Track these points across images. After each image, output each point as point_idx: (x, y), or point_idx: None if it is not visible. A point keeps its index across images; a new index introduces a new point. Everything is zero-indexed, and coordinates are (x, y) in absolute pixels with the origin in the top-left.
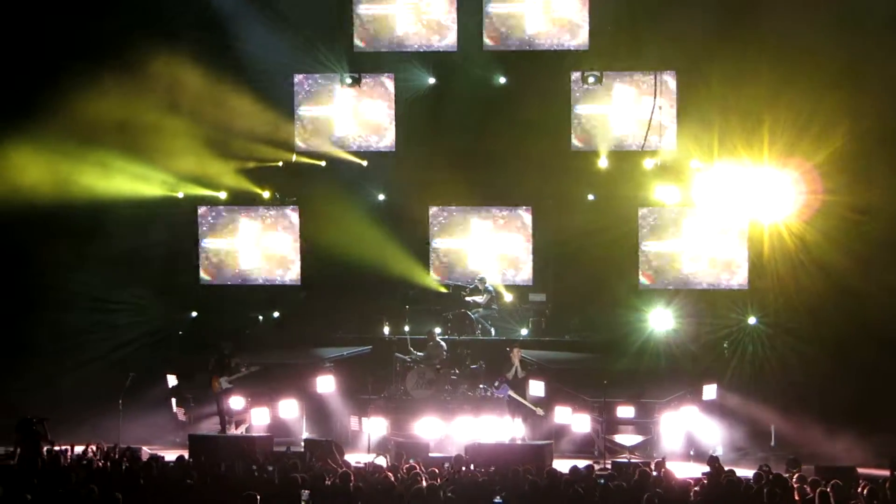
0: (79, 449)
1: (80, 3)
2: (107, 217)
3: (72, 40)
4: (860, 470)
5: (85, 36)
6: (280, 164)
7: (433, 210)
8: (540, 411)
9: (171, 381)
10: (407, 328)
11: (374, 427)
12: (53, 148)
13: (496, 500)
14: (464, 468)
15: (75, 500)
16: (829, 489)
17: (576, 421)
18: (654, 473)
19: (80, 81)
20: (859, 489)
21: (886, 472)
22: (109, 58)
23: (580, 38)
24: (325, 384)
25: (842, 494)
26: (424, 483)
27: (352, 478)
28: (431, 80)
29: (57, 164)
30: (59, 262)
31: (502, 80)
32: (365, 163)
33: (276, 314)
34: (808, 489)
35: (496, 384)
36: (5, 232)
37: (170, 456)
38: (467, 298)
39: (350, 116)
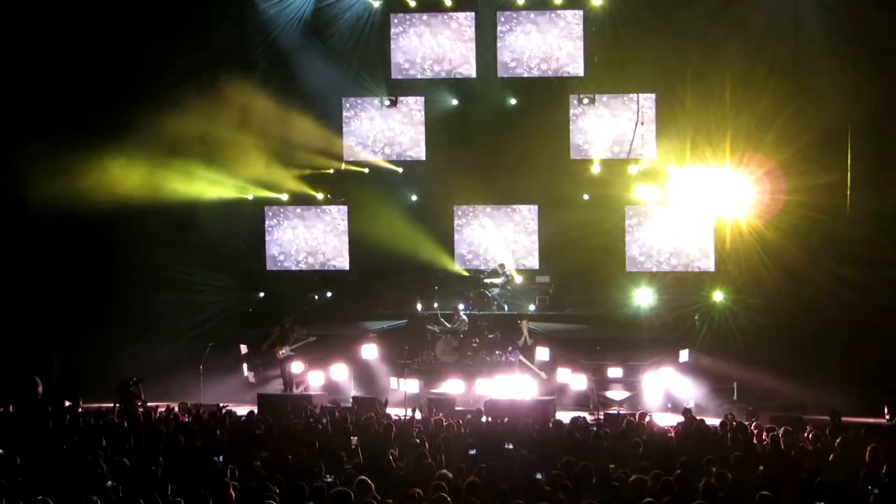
0: (167, 406)
1: (172, 39)
2: (190, 216)
3: (164, 69)
4: (806, 417)
5: (175, 65)
6: (331, 171)
7: (456, 208)
8: (544, 375)
9: (243, 349)
10: (436, 305)
11: (410, 386)
12: (146, 158)
13: (507, 446)
14: (483, 419)
15: (166, 448)
16: (780, 434)
17: (574, 380)
18: (638, 422)
19: (170, 103)
20: (805, 434)
21: (825, 423)
22: (193, 83)
23: (576, 67)
24: (369, 351)
25: (791, 438)
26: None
27: (392, 427)
28: (455, 102)
29: (149, 171)
30: (153, 253)
31: (513, 101)
32: (400, 170)
33: (329, 294)
34: (764, 434)
35: (509, 349)
36: (110, 229)
37: (242, 411)
38: (486, 280)
39: (388, 132)
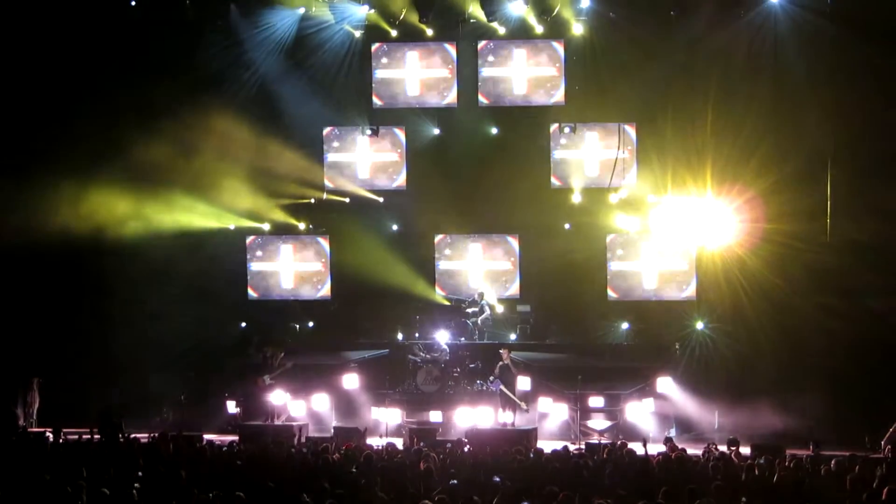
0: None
1: (154, 68)
2: (171, 245)
3: (146, 98)
4: (786, 445)
5: (156, 94)
6: (312, 200)
7: (438, 238)
8: (524, 406)
9: (225, 379)
10: (417, 334)
11: (391, 416)
12: (128, 188)
13: (495, 479)
14: (466, 448)
15: (146, 479)
16: (761, 462)
17: (555, 409)
18: (620, 452)
19: (150, 132)
20: (786, 462)
21: (808, 451)
22: (175, 112)
23: (557, 96)
24: (351, 381)
25: (772, 466)
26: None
27: (373, 457)
28: (436, 131)
29: (130, 201)
30: (134, 282)
31: (494, 130)
32: (382, 199)
33: (310, 324)
34: (746, 463)
35: (490, 379)
36: (91, 258)
37: (223, 441)
38: (467, 310)
39: (369, 161)
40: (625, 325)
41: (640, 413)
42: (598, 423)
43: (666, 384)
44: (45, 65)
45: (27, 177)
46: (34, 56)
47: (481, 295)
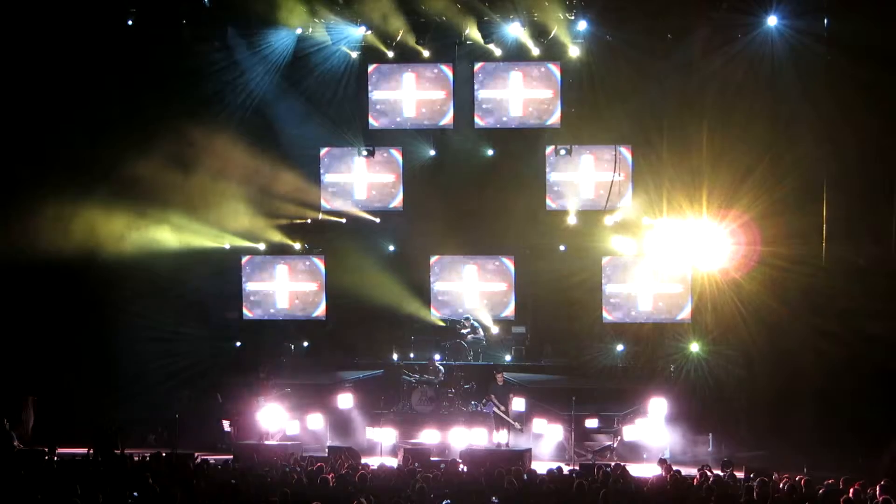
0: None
1: (150, 88)
2: (167, 265)
3: (142, 118)
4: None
5: (152, 114)
6: (308, 220)
7: (433, 259)
8: (518, 426)
9: (220, 399)
10: (412, 355)
11: (386, 436)
12: (124, 207)
13: (493, 500)
14: (461, 468)
15: (141, 497)
16: (756, 484)
17: (550, 430)
18: (614, 473)
19: (146, 151)
20: (781, 485)
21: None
22: (171, 132)
23: (553, 118)
24: (346, 401)
25: (767, 488)
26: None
27: (367, 476)
28: (432, 153)
29: (127, 220)
30: (130, 301)
31: (490, 152)
32: (377, 220)
33: (305, 344)
34: (740, 485)
35: (484, 402)
36: (87, 277)
37: (218, 460)
38: (462, 331)
39: (365, 182)
40: (620, 347)
41: (634, 434)
42: (593, 444)
43: (660, 406)
44: (41, 83)
45: (22, 194)
46: (30, 74)
47: (468, 319)
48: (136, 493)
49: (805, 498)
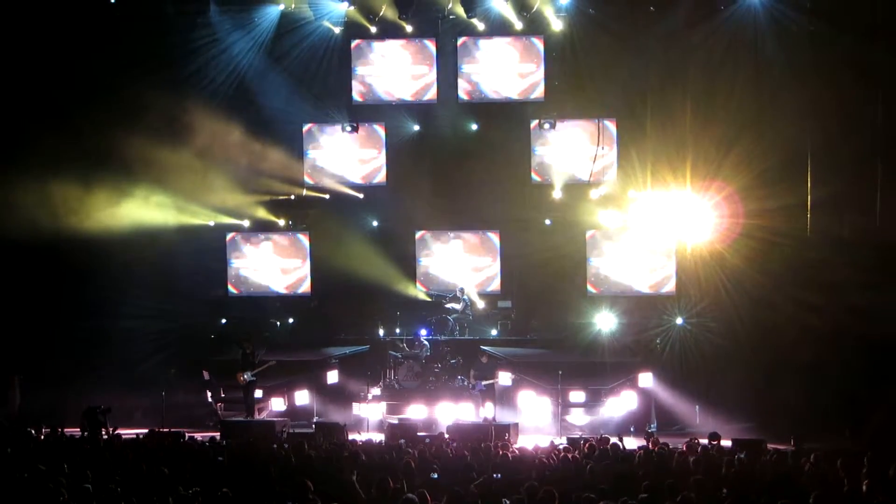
0: (130, 433)
1: (133, 66)
2: (151, 242)
3: (124, 95)
4: (767, 439)
5: (135, 92)
6: (292, 197)
7: (418, 234)
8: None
9: (206, 375)
10: (398, 330)
11: (372, 411)
12: (108, 185)
13: (496, 475)
14: (450, 443)
15: (129, 476)
16: (742, 456)
17: (537, 404)
18: (601, 447)
19: (129, 128)
20: (767, 457)
21: (786, 446)
22: (153, 110)
23: (537, 92)
24: (332, 377)
25: (753, 460)
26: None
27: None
28: (416, 128)
29: (110, 198)
30: (115, 279)
31: (474, 126)
32: (361, 195)
33: (290, 320)
34: (727, 457)
35: (472, 384)
36: (72, 255)
37: (204, 437)
38: (446, 305)
39: (349, 157)
40: (605, 321)
41: (621, 408)
42: (580, 417)
43: (647, 379)
44: (21, 61)
45: (5, 173)
46: (10, 52)
47: (462, 291)
48: (123, 472)
49: (792, 469)
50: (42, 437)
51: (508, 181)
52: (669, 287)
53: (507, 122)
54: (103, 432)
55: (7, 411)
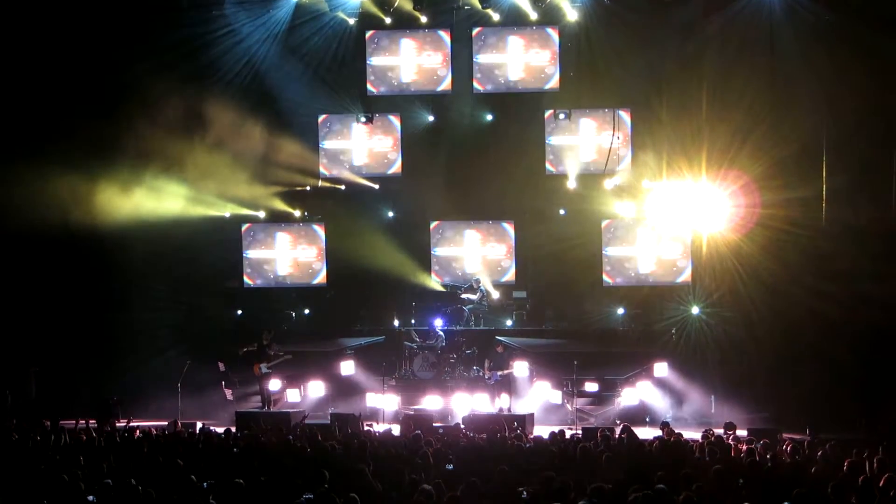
0: (146, 424)
1: (148, 58)
2: (167, 233)
3: (140, 87)
4: (783, 429)
5: (151, 83)
6: (308, 188)
7: (433, 224)
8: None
9: (221, 367)
10: (413, 321)
11: (388, 402)
12: (124, 176)
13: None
14: (465, 433)
15: (144, 467)
16: (758, 446)
17: (552, 394)
18: (617, 436)
19: (146, 120)
20: (783, 447)
21: (802, 436)
22: (169, 101)
23: (551, 82)
24: (347, 368)
25: (769, 450)
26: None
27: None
28: (431, 118)
29: (127, 189)
30: (131, 271)
31: (489, 117)
32: (377, 186)
33: (306, 311)
34: (743, 447)
35: (488, 376)
36: (88, 246)
37: (220, 429)
38: (462, 296)
39: (364, 148)
40: (620, 311)
41: (636, 398)
42: (595, 408)
43: (662, 369)
44: (37, 54)
45: (24, 166)
46: (24, 44)
47: (478, 281)
48: (138, 464)
49: (808, 459)
50: (58, 429)
51: (523, 171)
52: (685, 277)
53: (522, 112)
54: (117, 423)
55: (23, 402)
